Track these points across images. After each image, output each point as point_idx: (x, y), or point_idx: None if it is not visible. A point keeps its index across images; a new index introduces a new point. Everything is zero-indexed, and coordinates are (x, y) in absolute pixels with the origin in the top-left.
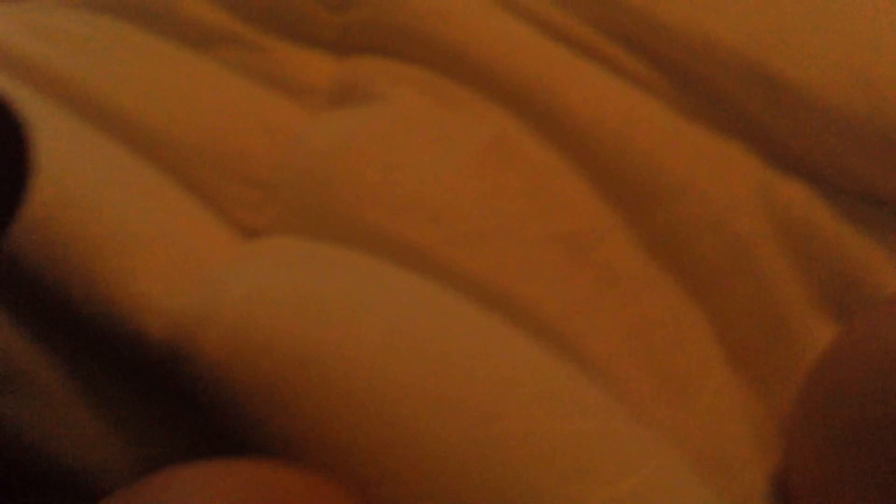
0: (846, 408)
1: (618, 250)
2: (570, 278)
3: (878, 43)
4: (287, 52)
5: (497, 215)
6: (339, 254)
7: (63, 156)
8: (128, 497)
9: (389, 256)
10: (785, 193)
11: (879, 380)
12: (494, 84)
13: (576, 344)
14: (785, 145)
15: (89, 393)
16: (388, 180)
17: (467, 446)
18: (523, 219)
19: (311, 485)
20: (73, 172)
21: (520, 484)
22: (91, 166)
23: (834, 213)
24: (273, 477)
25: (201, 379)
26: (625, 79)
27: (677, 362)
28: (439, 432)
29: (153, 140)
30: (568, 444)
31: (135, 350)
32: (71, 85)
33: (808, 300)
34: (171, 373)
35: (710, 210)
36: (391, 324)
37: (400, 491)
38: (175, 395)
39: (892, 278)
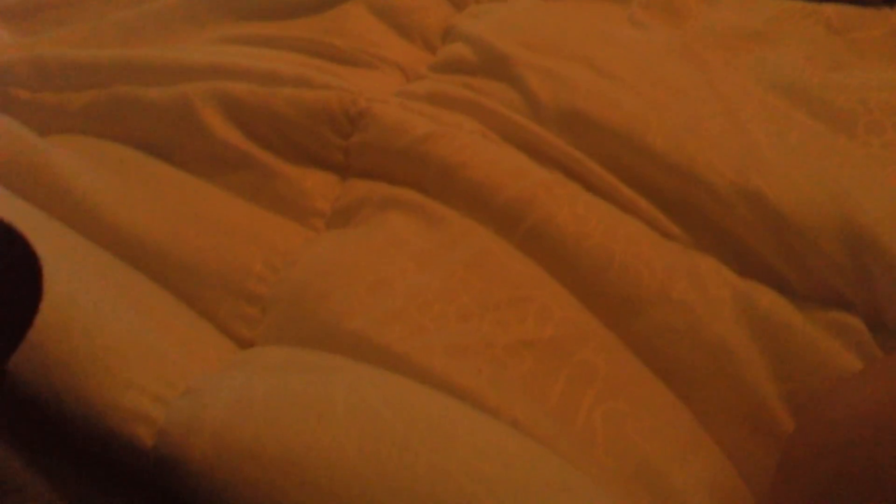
0: (813, 487)
1: (599, 351)
2: (545, 380)
3: (846, 166)
4: (297, 174)
5: (476, 327)
6: (319, 358)
7: (62, 276)
8: None
9: (371, 362)
10: (760, 300)
11: (838, 457)
12: (483, 202)
13: (547, 441)
14: (760, 258)
15: None
16: (374, 295)
17: None
18: (503, 327)
19: None
20: (71, 294)
21: None
22: (90, 285)
23: (806, 319)
24: None
25: (190, 484)
26: (608, 200)
27: (654, 450)
28: None
29: (157, 258)
30: None
31: (128, 460)
32: (75, 201)
33: (780, 396)
34: (163, 480)
35: (689, 317)
36: (365, 425)
37: None
38: None
39: None
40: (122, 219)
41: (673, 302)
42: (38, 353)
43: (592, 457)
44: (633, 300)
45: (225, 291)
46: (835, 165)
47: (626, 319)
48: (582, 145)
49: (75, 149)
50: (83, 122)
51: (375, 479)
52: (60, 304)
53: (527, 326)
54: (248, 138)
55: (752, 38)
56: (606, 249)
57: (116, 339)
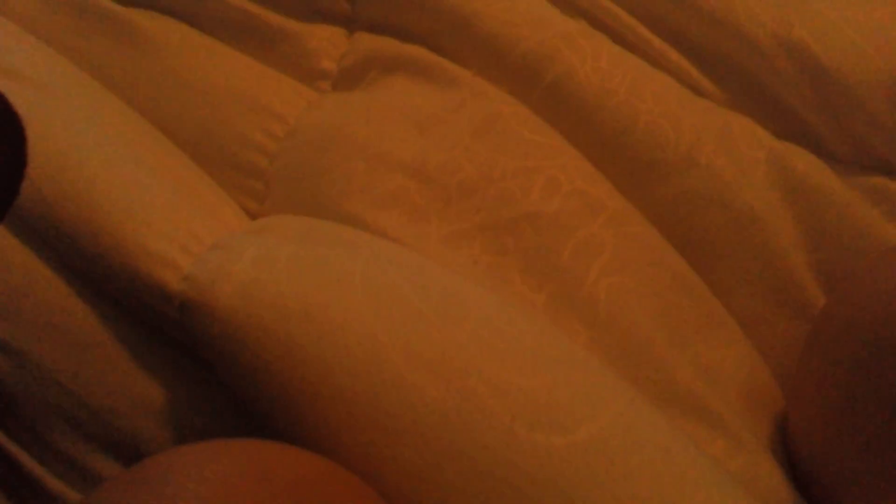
0: (844, 362)
1: (608, 225)
2: (547, 255)
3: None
4: (303, 32)
5: (478, 203)
6: (339, 231)
7: (90, 132)
8: (128, 478)
9: None
10: (797, 164)
11: (874, 331)
12: (498, 57)
13: (549, 311)
14: (799, 118)
15: (131, 356)
16: (372, 173)
17: (440, 397)
18: (506, 201)
19: (316, 468)
20: (96, 154)
21: (489, 433)
22: (110, 147)
23: (845, 185)
24: (275, 458)
25: (212, 330)
26: (636, 52)
27: (683, 315)
28: (417, 383)
29: (161, 127)
30: (529, 397)
31: (155, 305)
32: (90, 69)
33: (811, 268)
34: (187, 328)
35: (717, 183)
36: (380, 288)
37: (384, 437)
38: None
39: None
40: (126, 90)
41: (700, 167)
42: (73, 201)
43: (594, 328)
44: (658, 165)
45: (228, 165)
46: (886, 16)
47: (648, 186)
48: None
49: None
50: None
51: (389, 342)
52: (87, 159)
53: (531, 199)
54: None
55: None
56: (631, 108)
57: (143, 192)
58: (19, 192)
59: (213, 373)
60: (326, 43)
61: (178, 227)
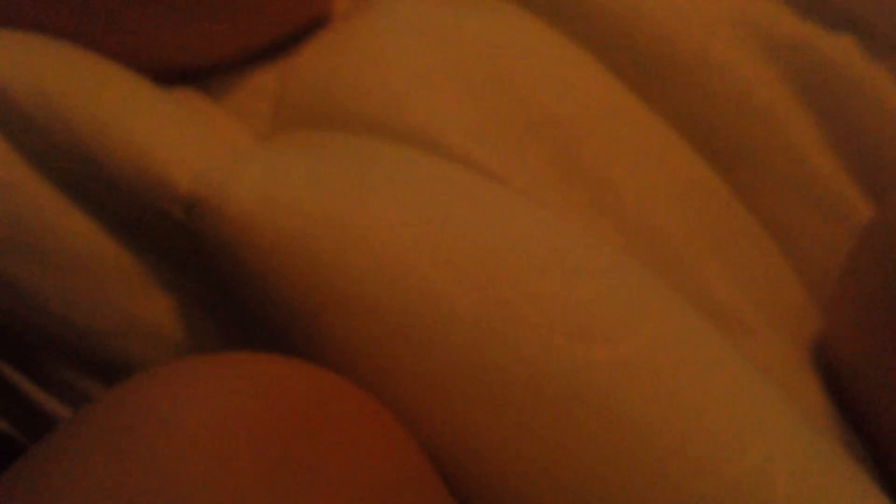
0: (887, 279)
1: (625, 124)
2: (567, 156)
3: None
4: None
5: (489, 107)
6: (356, 144)
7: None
8: (122, 390)
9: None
10: (822, 49)
11: None
12: None
13: (576, 209)
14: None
15: (126, 277)
16: (384, 76)
17: (472, 307)
18: (522, 104)
19: (330, 384)
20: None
21: (525, 344)
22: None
23: (883, 72)
24: (283, 372)
25: (225, 235)
26: None
27: (713, 221)
28: (447, 292)
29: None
30: (569, 308)
31: (161, 205)
32: None
33: (846, 171)
34: (196, 232)
35: (730, 79)
36: (404, 193)
37: (411, 350)
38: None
39: None
40: None
41: (711, 66)
42: (78, 101)
43: (625, 233)
44: (668, 62)
45: (234, 85)
46: None
47: (662, 86)
48: None
49: None
50: None
51: (416, 249)
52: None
53: (547, 101)
54: None
55: None
56: (637, 6)
57: (155, 102)
58: None
59: (217, 291)
60: None
61: (190, 134)
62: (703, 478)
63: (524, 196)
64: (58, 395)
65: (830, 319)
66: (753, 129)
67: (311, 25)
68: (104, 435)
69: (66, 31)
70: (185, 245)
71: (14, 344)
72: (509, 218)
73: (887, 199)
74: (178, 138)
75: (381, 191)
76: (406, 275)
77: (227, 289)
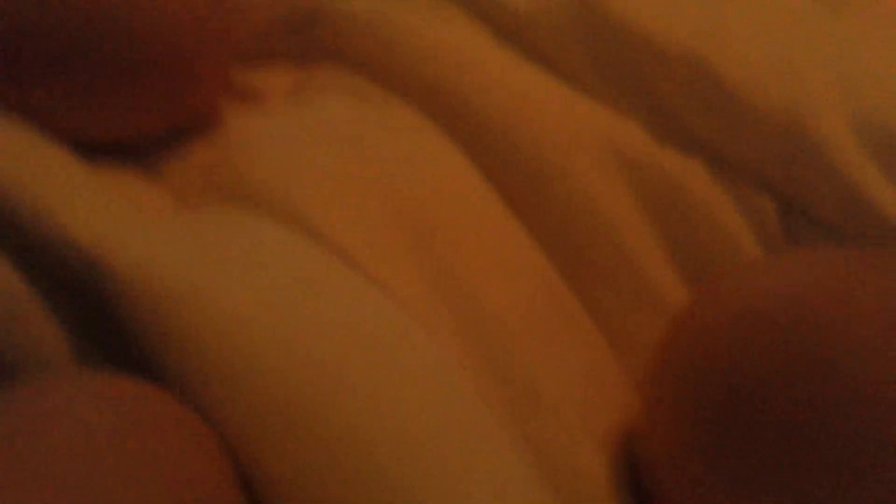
0: (692, 376)
1: (488, 217)
2: (428, 242)
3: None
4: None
5: (364, 201)
6: (245, 218)
7: None
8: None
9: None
10: (672, 171)
11: (723, 351)
12: (410, 82)
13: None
14: (687, 125)
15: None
16: (276, 164)
17: (298, 379)
18: (395, 200)
19: (161, 403)
20: None
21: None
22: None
23: (721, 194)
24: (131, 392)
25: (114, 292)
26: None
27: (545, 311)
28: (274, 361)
29: None
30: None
31: (59, 257)
32: None
33: (680, 278)
34: (91, 287)
35: (580, 193)
36: (267, 281)
37: (235, 396)
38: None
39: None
40: None
41: (568, 177)
42: None
43: (455, 314)
44: (531, 173)
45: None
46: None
47: (522, 193)
48: None
49: None
50: None
51: (256, 323)
52: None
53: (414, 195)
54: None
55: None
56: (516, 111)
57: (66, 173)
58: None
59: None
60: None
61: (98, 201)
62: None
63: (375, 290)
64: None
65: (644, 406)
66: (593, 234)
67: (198, 122)
68: None
69: None
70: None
71: None
72: (353, 310)
73: (688, 306)
74: (86, 208)
75: (247, 274)
76: (245, 345)
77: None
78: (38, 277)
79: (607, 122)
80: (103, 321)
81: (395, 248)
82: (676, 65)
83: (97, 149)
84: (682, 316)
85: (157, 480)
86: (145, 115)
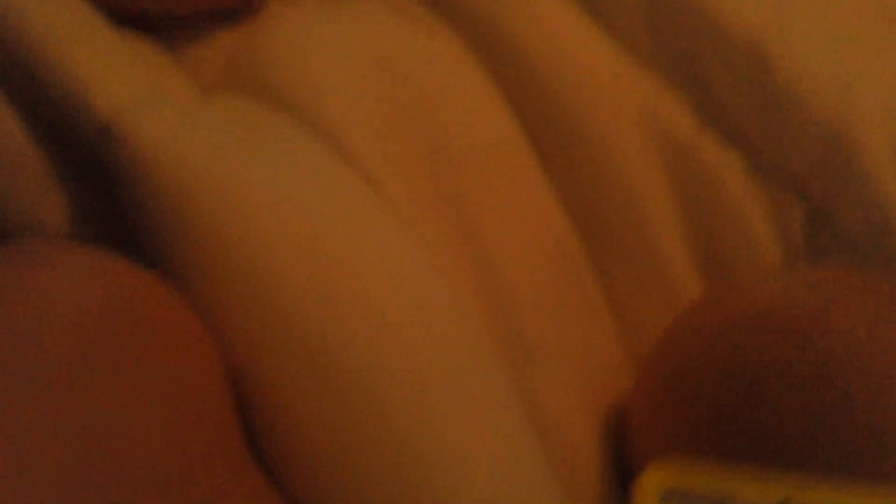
0: (691, 375)
1: (518, 168)
2: (455, 186)
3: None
4: None
5: (395, 126)
6: (270, 116)
7: None
8: None
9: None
10: (708, 160)
11: (722, 352)
12: (461, 9)
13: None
14: (726, 112)
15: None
16: (310, 68)
17: (310, 292)
18: (425, 131)
19: (157, 292)
20: None
21: (338, 328)
22: None
23: (752, 190)
24: (127, 277)
25: (126, 165)
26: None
27: (556, 277)
28: (287, 271)
29: None
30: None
31: (79, 125)
32: None
33: (694, 265)
34: (104, 157)
35: (612, 165)
36: (286, 181)
37: (245, 307)
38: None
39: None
40: None
41: (605, 148)
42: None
43: (468, 263)
44: (567, 135)
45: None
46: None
47: (555, 150)
48: None
49: None
50: None
51: (273, 226)
52: None
53: (447, 134)
54: None
55: None
56: (560, 68)
57: (95, 38)
58: None
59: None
60: None
61: (123, 71)
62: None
63: (395, 217)
64: None
65: (634, 386)
66: (619, 207)
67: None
68: None
69: None
70: (96, 164)
71: None
72: (368, 230)
73: (703, 296)
74: (110, 71)
75: (268, 172)
76: (259, 250)
77: (120, 208)
78: (46, 138)
79: (653, 95)
80: (105, 198)
81: (417, 184)
82: (734, 45)
83: (125, 22)
84: (688, 312)
85: (146, 374)
86: None
